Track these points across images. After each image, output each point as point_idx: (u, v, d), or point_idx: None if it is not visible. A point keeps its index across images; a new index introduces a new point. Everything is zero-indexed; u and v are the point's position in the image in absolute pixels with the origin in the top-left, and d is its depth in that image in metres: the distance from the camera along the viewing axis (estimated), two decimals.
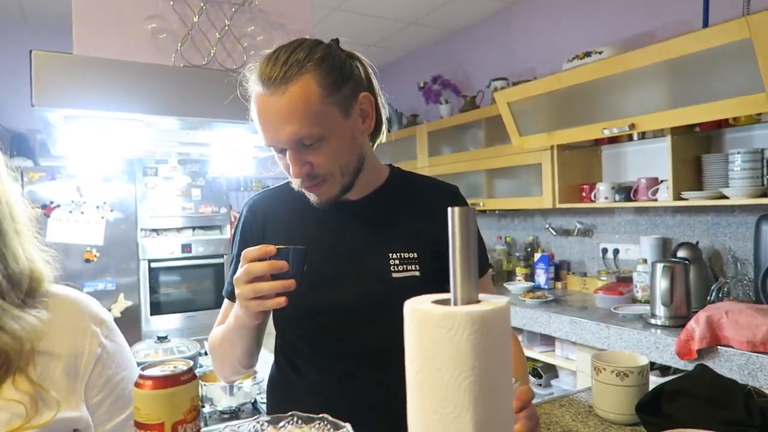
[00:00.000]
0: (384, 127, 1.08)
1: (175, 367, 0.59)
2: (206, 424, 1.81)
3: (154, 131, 1.91)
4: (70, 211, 3.42)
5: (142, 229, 3.72)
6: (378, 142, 1.11)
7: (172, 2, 1.67)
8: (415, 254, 1.00)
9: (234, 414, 1.85)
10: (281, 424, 0.61)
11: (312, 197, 0.98)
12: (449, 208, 0.50)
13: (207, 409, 1.88)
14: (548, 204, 2.97)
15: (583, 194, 2.92)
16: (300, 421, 0.61)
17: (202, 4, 1.68)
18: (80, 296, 0.82)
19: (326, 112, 0.89)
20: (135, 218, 3.64)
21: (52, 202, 3.38)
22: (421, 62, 4.46)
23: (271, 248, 0.83)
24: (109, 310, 3.49)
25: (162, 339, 2.26)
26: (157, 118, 1.63)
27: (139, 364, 2.04)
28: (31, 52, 1.40)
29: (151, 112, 1.56)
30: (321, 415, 0.61)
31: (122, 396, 0.79)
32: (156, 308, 3.75)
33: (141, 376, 0.57)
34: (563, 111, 2.62)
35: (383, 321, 0.97)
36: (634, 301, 2.65)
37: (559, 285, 3.28)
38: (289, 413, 0.61)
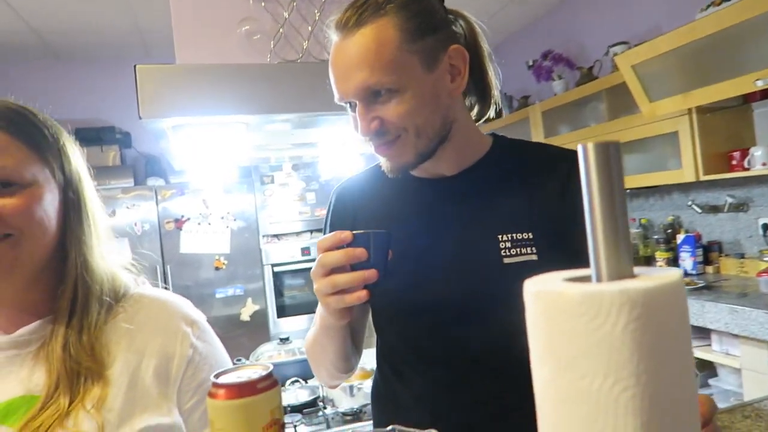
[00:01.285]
0: (493, 100, 0.93)
1: (254, 372, 0.51)
2: (328, 426, 1.78)
3: (262, 135, 1.92)
4: (199, 223, 3.64)
5: (264, 236, 3.86)
6: (487, 116, 0.96)
7: (263, 3, 1.65)
8: (530, 234, 0.84)
9: (356, 415, 1.80)
10: None
11: (383, 162, 0.86)
12: (579, 145, 0.35)
13: (329, 410, 1.85)
14: (690, 177, 2.59)
15: (733, 162, 2.51)
16: None
17: (291, 1, 1.64)
18: (170, 297, 0.78)
19: (403, 60, 0.76)
20: (256, 226, 3.79)
21: (183, 216, 3.62)
22: (528, 40, 4.17)
23: (347, 234, 0.72)
24: (239, 314, 3.66)
25: (284, 340, 2.28)
26: (259, 118, 1.62)
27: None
28: (135, 66, 1.45)
29: (252, 112, 1.55)
30: (428, 430, 0.48)
31: None
32: (282, 311, 3.88)
33: (214, 384, 0.49)
34: (701, 66, 2.26)
35: (496, 317, 0.82)
36: None
37: (710, 269, 2.86)
38: (389, 428, 0.50)
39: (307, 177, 4.02)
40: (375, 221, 0.92)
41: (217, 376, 0.51)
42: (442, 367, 0.87)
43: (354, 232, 0.73)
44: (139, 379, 0.69)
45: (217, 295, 3.65)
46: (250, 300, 3.71)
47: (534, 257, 0.83)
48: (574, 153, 0.99)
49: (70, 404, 0.64)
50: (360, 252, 0.71)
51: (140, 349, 0.71)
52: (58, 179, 0.72)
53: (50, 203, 0.70)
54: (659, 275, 0.33)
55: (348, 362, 0.94)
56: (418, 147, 0.81)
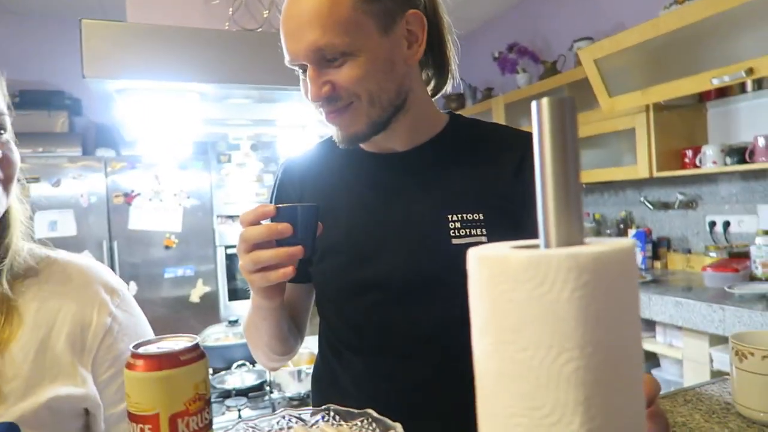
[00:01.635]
0: (451, 74, 0.90)
1: (176, 343, 0.46)
2: (274, 410, 1.74)
3: (219, 108, 1.85)
4: (150, 199, 3.50)
5: (218, 216, 3.75)
6: (444, 91, 0.93)
7: None
8: (480, 215, 0.81)
9: (302, 401, 1.77)
10: (314, 419, 0.46)
11: (334, 132, 0.81)
12: (534, 101, 0.32)
13: (275, 395, 1.81)
14: (644, 173, 2.64)
15: (686, 160, 2.58)
16: (338, 417, 0.46)
17: None
18: (88, 262, 0.73)
19: (358, 21, 0.72)
20: (211, 205, 3.68)
21: (133, 191, 3.48)
22: (495, 32, 4.18)
23: (270, 208, 0.68)
24: (188, 296, 3.55)
25: (233, 323, 2.22)
26: (213, 87, 1.55)
27: None
28: (80, 21, 1.35)
29: (206, 80, 1.47)
30: (364, 411, 0.45)
31: None
32: (234, 294, 3.79)
33: (132, 354, 0.45)
34: (661, 63, 2.30)
35: (441, 299, 0.80)
36: (752, 278, 2.29)
37: (658, 264, 2.94)
38: (324, 406, 0.47)
39: (266, 158, 3.93)
40: (322, 196, 0.88)
41: (137, 346, 0.46)
42: (383, 350, 0.84)
43: (278, 205, 0.69)
44: (50, 346, 0.64)
45: (167, 275, 3.53)
46: (200, 281, 3.61)
47: (484, 239, 0.81)
48: (529, 134, 0.97)
49: None
50: (283, 227, 0.67)
51: (52, 314, 0.66)
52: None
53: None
54: (610, 242, 0.31)
55: (285, 344, 0.89)
56: (371, 115, 0.77)
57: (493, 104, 3.72)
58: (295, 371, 1.80)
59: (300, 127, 2.24)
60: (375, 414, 0.45)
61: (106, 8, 3.73)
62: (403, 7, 0.76)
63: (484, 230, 0.80)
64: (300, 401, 1.77)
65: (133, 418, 0.44)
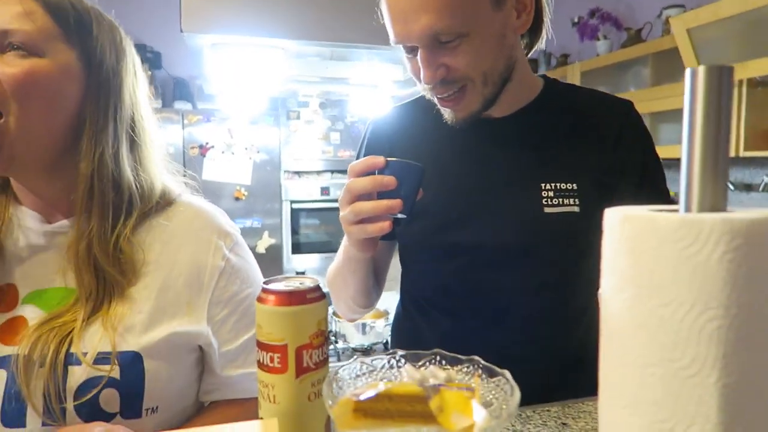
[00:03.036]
0: (545, 30, 0.87)
1: (301, 283, 0.50)
2: (339, 360, 1.82)
3: (296, 64, 1.89)
4: (222, 152, 3.64)
5: (285, 171, 3.86)
6: (536, 47, 0.91)
7: None
8: (574, 185, 0.80)
9: (366, 352, 1.84)
10: (421, 362, 0.50)
11: (447, 113, 0.81)
12: (688, 68, 0.33)
13: (341, 345, 1.89)
14: (730, 151, 2.51)
15: None
16: (444, 362, 0.50)
17: None
18: (205, 206, 0.77)
19: (472, 0, 0.70)
20: (279, 160, 3.78)
21: (207, 143, 3.61)
22: None
23: (380, 159, 0.68)
24: (255, 246, 3.70)
25: (300, 274, 2.32)
26: (299, 45, 1.59)
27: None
28: None
29: (293, 37, 1.52)
30: (470, 357, 0.48)
31: (248, 314, 0.74)
32: (297, 248, 3.92)
33: (264, 290, 0.49)
34: (762, 36, 2.14)
35: (531, 265, 0.81)
36: None
37: None
38: (432, 351, 0.50)
39: (333, 117, 3.98)
40: (412, 157, 0.89)
41: (267, 282, 0.51)
42: (470, 310, 0.85)
43: (388, 158, 0.68)
44: (170, 285, 0.69)
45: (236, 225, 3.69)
46: (266, 233, 3.75)
47: (576, 209, 0.80)
48: (630, 103, 0.93)
49: (92, 313, 0.64)
50: (388, 180, 0.67)
51: (173, 254, 0.70)
52: (84, 64, 0.67)
53: (63, 86, 0.64)
54: (758, 211, 0.31)
55: (367, 298, 0.92)
56: (485, 94, 0.77)
57: (569, 71, 3.59)
58: (360, 324, 1.87)
59: (372, 87, 2.26)
60: (482, 361, 0.47)
61: None
62: None
63: (576, 200, 0.80)
64: (363, 353, 1.84)
65: (263, 347, 0.48)
